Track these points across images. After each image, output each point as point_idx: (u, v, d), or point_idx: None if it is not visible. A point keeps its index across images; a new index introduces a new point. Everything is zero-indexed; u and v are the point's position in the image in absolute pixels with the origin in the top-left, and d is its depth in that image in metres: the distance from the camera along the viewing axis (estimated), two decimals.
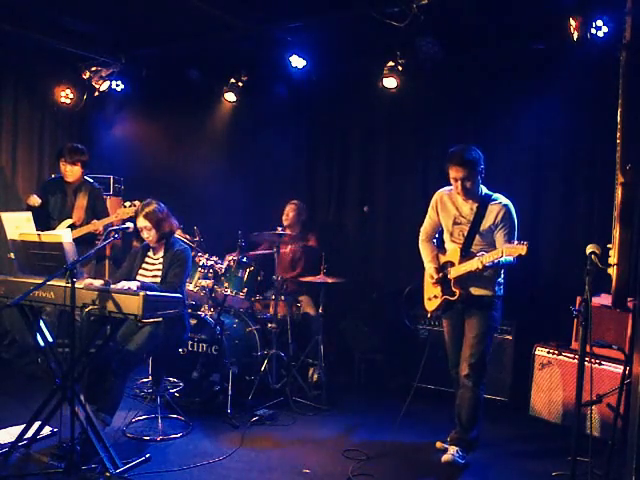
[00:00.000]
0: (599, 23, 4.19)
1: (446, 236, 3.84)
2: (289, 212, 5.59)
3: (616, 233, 2.79)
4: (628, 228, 2.77)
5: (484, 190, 3.70)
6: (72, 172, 4.99)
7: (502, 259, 3.46)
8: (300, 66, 5.39)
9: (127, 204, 4.70)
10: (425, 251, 3.93)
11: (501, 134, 5.15)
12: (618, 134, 2.98)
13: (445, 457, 3.61)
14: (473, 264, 3.50)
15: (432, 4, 4.21)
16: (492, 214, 3.62)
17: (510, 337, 4.74)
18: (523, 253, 3.27)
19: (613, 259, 2.77)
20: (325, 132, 6.16)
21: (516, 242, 3.35)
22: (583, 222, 4.84)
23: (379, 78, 5.21)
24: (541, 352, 4.43)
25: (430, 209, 3.92)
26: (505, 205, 3.63)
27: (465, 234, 3.69)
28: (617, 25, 4.02)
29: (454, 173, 3.59)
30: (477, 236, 3.66)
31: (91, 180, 5.15)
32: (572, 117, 4.84)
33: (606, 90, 3.71)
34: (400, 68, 5.11)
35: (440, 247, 3.93)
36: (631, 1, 3.22)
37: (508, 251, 3.34)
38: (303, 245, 5.56)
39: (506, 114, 5.09)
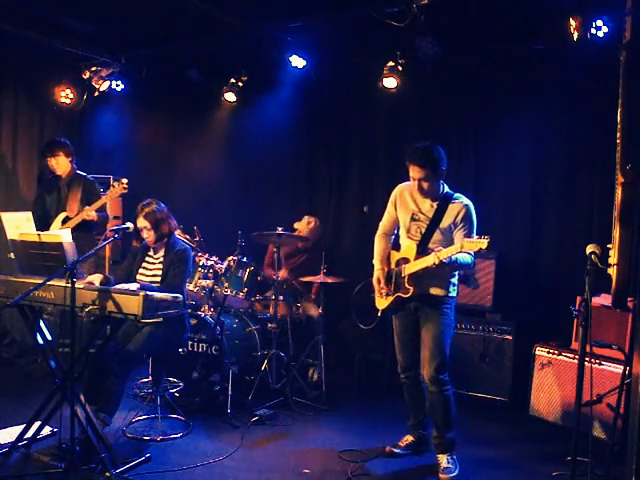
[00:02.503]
0: (599, 23, 4.18)
1: (402, 232, 3.74)
2: (309, 225, 5.56)
3: (616, 233, 2.80)
4: (628, 228, 2.77)
5: (445, 188, 3.62)
6: (58, 164, 5.01)
7: (460, 257, 3.39)
8: (300, 66, 5.39)
9: (115, 184, 4.72)
10: (377, 247, 3.84)
11: (501, 134, 5.15)
12: (618, 134, 2.98)
13: (442, 476, 3.47)
14: (429, 259, 3.38)
15: (432, 4, 4.21)
16: (452, 212, 3.53)
17: (510, 337, 4.75)
18: (484, 247, 3.14)
19: (613, 259, 2.77)
20: (325, 132, 6.16)
21: (476, 236, 3.22)
22: (583, 222, 4.84)
23: (379, 78, 5.20)
24: (541, 352, 4.43)
25: (389, 204, 3.81)
26: (466, 205, 3.54)
27: (423, 231, 3.59)
28: (617, 25, 4.01)
29: (413, 172, 3.51)
30: (436, 233, 3.56)
31: (84, 173, 5.16)
32: (572, 117, 4.85)
33: (606, 90, 3.72)
34: (400, 68, 5.11)
35: (395, 245, 3.84)
36: (631, 1, 3.23)
37: (468, 246, 3.20)
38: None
39: (506, 114, 5.09)
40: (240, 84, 5.97)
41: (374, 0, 4.35)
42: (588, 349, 2.82)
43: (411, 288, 3.53)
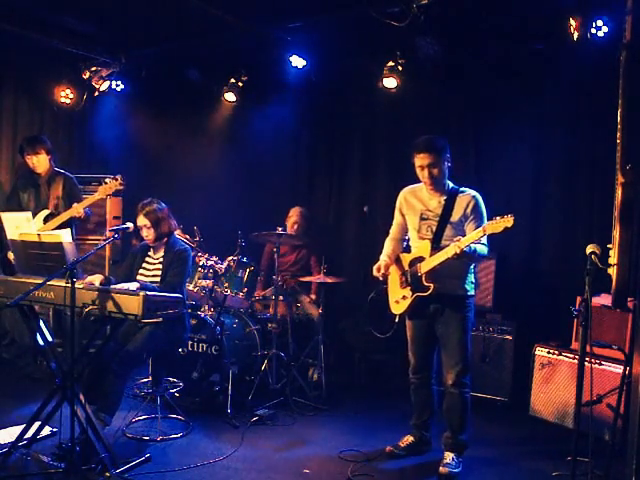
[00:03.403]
0: (599, 23, 4.18)
1: (412, 234, 3.71)
2: (300, 221, 5.59)
3: (616, 233, 2.79)
4: (628, 228, 2.77)
5: (451, 184, 3.62)
6: (39, 162, 4.93)
7: (478, 247, 3.37)
8: (300, 66, 5.39)
9: (107, 180, 4.66)
10: (385, 246, 3.84)
11: (501, 134, 5.15)
12: (618, 134, 2.97)
13: (442, 469, 3.51)
14: (449, 250, 3.31)
15: (432, 4, 4.20)
16: (461, 205, 3.52)
17: (510, 337, 4.74)
18: (509, 225, 3.10)
19: (613, 259, 2.77)
20: (325, 132, 6.16)
21: (498, 217, 3.18)
22: (583, 222, 4.84)
23: (379, 78, 5.20)
24: (541, 352, 4.43)
25: (396, 211, 3.82)
26: (474, 196, 3.54)
27: (434, 228, 3.56)
28: (617, 25, 4.01)
29: (420, 161, 3.53)
30: (448, 228, 3.53)
31: (62, 170, 5.12)
32: (572, 117, 4.85)
33: (606, 90, 3.72)
34: (400, 68, 5.10)
35: (406, 251, 3.80)
36: (631, 1, 3.22)
37: (492, 227, 3.16)
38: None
39: (506, 114, 5.09)
40: (240, 84, 5.96)
41: (374, 0, 4.35)
42: (588, 349, 2.82)
43: (430, 285, 3.45)
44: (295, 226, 5.57)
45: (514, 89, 5.03)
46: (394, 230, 3.88)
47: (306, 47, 5.29)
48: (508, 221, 3.12)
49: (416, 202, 3.69)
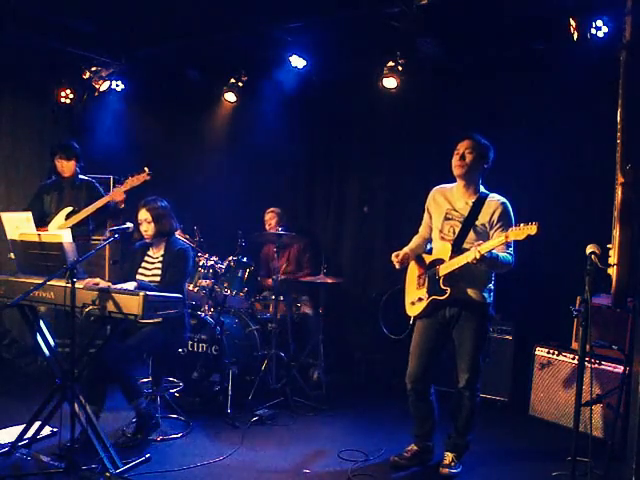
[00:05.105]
0: (599, 23, 4.19)
1: (434, 233, 3.60)
2: (270, 220, 5.63)
3: (616, 233, 2.80)
4: (628, 228, 2.77)
5: (482, 188, 3.52)
6: (68, 167, 5.04)
7: (501, 254, 3.27)
8: (300, 66, 5.39)
9: (135, 173, 4.77)
10: (411, 241, 3.74)
11: (501, 134, 5.13)
12: (618, 134, 2.98)
13: (442, 470, 3.51)
14: (469, 255, 3.20)
15: (432, 4, 4.20)
16: (489, 210, 3.41)
17: (510, 337, 4.75)
18: (533, 233, 3.00)
19: (613, 259, 2.78)
20: (325, 132, 6.16)
21: (522, 224, 3.07)
22: (583, 222, 4.83)
23: (379, 78, 5.21)
24: (541, 352, 4.43)
25: (425, 210, 3.72)
26: (503, 203, 3.44)
27: (457, 230, 3.44)
28: (617, 25, 4.02)
29: (458, 147, 3.47)
30: (471, 232, 3.41)
31: (86, 177, 5.18)
32: (572, 117, 4.84)
33: (606, 90, 3.72)
34: (400, 68, 5.11)
35: (429, 252, 3.71)
36: (631, 1, 3.23)
37: (514, 234, 3.06)
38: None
39: (506, 114, 5.09)
40: (240, 84, 5.97)
41: (374, 0, 4.35)
42: (588, 349, 2.82)
43: (447, 289, 3.36)
44: (274, 224, 5.60)
45: (514, 89, 5.03)
46: (421, 228, 3.77)
47: (306, 47, 5.30)
48: (531, 229, 3.03)
49: (443, 201, 3.58)
